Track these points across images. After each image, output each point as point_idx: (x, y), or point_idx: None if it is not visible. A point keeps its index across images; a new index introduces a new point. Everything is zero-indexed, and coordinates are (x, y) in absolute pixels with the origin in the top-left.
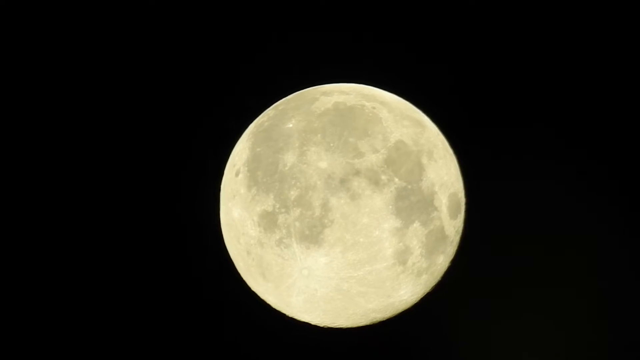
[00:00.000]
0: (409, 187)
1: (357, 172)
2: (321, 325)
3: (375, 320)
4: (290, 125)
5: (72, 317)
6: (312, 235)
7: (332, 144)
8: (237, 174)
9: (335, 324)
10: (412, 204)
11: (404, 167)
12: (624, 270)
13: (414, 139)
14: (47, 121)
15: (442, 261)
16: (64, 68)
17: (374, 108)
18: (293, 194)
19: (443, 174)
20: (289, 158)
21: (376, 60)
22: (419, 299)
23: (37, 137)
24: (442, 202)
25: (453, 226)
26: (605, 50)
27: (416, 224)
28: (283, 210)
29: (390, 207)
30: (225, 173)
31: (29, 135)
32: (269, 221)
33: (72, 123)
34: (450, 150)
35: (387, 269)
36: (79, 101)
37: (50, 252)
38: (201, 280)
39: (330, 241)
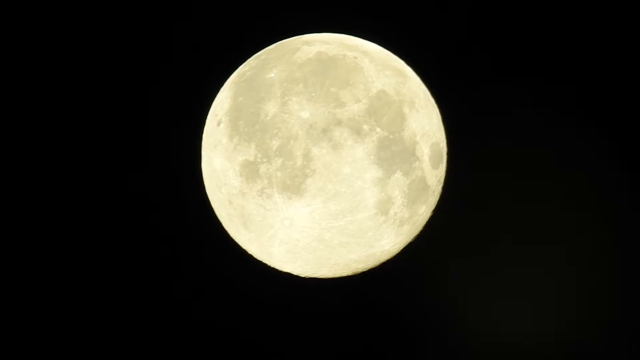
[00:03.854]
0: (391, 136)
1: (339, 122)
2: (303, 275)
3: (357, 270)
4: (272, 75)
5: (52, 265)
6: (293, 185)
7: (313, 94)
8: (218, 124)
9: (317, 274)
10: (394, 153)
11: (386, 117)
12: (608, 223)
13: (396, 88)
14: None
15: (423, 211)
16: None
17: (355, 58)
18: (275, 143)
19: (425, 123)
20: (271, 108)
21: (358, 10)
22: (400, 249)
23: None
24: (424, 151)
25: (435, 176)
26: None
27: (398, 174)
28: (265, 160)
29: (372, 157)
30: (207, 122)
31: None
32: (250, 171)
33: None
34: (432, 100)
35: (369, 219)
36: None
37: (31, 212)
38: (183, 230)
39: (312, 191)
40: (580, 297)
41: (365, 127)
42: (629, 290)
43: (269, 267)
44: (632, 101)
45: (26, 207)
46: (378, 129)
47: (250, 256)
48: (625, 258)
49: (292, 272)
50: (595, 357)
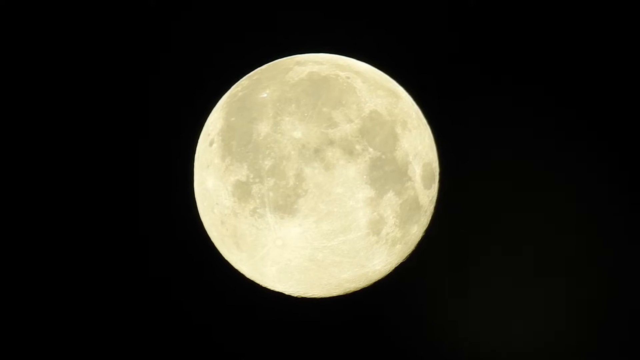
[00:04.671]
0: (383, 156)
1: (331, 142)
2: (295, 295)
3: (349, 290)
4: (265, 95)
5: (41, 286)
6: (286, 205)
7: (306, 114)
8: (211, 144)
9: (309, 294)
10: (386, 173)
11: (378, 137)
12: (608, 238)
13: (388, 108)
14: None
15: (416, 231)
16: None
17: (348, 78)
18: (267, 163)
19: (417, 143)
20: (263, 128)
21: (351, 30)
22: (392, 268)
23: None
24: (416, 171)
25: (427, 196)
26: (579, 24)
27: (390, 194)
28: (257, 180)
29: (365, 176)
30: (199, 142)
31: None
32: (243, 191)
33: (46, 95)
34: (424, 120)
35: (361, 238)
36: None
37: (17, 224)
38: (175, 250)
39: (304, 211)
40: (580, 309)
41: (357, 147)
42: (621, 301)
43: (261, 286)
44: (628, 111)
45: (10, 228)
46: (370, 149)
47: (242, 276)
48: (619, 270)
49: (284, 292)
50: None
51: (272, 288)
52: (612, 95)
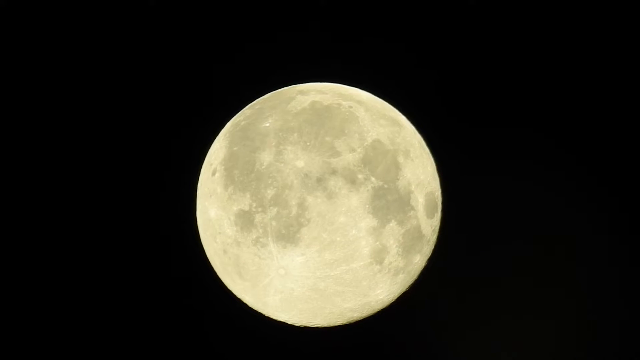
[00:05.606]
0: (386, 186)
1: (334, 171)
2: (298, 324)
3: (352, 319)
4: (267, 124)
5: (44, 318)
6: (288, 234)
7: (308, 143)
8: (213, 173)
9: (312, 324)
10: (389, 203)
11: (381, 166)
12: (604, 267)
13: (391, 138)
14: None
15: (418, 260)
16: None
17: (350, 107)
18: (270, 193)
19: (419, 173)
20: (266, 157)
21: (353, 59)
22: (395, 298)
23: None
24: (419, 201)
25: (430, 225)
26: (581, 53)
27: (393, 223)
28: (260, 209)
29: (367, 206)
30: (201, 172)
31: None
32: (245, 220)
33: (46, 127)
34: (426, 149)
35: (364, 268)
36: (54, 105)
37: (24, 255)
38: (177, 279)
39: (306, 240)
40: (580, 342)
41: (360, 176)
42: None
43: (264, 316)
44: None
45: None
46: (373, 178)
47: (245, 305)
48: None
49: (287, 322)
50: None
51: (275, 318)
52: (618, 135)
